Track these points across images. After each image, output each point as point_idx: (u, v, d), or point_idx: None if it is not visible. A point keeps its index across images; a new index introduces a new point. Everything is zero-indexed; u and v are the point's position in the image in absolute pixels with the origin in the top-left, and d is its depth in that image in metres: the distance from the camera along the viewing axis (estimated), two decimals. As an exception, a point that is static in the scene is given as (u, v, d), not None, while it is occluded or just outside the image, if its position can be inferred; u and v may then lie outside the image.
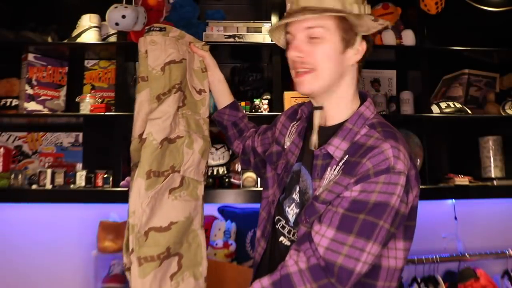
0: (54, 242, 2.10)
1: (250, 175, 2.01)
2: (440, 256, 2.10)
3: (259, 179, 2.02)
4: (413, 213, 0.95)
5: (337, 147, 0.96)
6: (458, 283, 2.10)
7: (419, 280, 2.08)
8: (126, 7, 1.60)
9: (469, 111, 2.20)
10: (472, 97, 2.33)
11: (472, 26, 2.30)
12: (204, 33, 2.05)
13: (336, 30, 0.96)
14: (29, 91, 2.04)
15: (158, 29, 1.21)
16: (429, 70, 2.16)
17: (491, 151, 2.23)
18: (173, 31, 1.23)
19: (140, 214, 1.04)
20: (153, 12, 1.85)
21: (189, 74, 1.24)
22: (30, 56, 2.07)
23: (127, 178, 1.91)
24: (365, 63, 1.05)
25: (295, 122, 1.16)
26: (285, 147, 1.13)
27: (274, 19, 2.07)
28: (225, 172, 2.03)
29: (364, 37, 1.00)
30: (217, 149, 2.02)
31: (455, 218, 2.25)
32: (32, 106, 2.03)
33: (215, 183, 2.02)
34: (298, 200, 1.03)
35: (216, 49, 2.06)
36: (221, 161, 2.02)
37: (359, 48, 1.00)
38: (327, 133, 1.01)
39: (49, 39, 2.06)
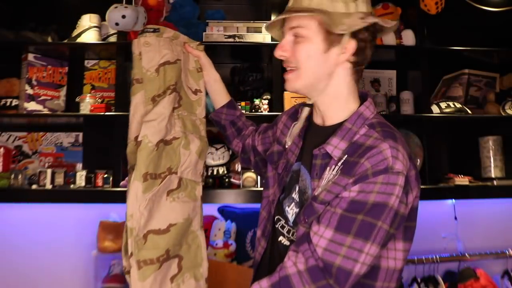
0: (54, 242, 2.10)
1: (250, 175, 2.01)
2: (440, 256, 2.10)
3: (259, 179, 2.02)
4: (413, 214, 0.95)
5: (336, 146, 0.96)
6: (458, 283, 2.10)
7: (419, 280, 2.08)
8: (126, 7, 1.60)
9: (469, 111, 2.19)
10: (472, 97, 2.33)
11: (472, 26, 2.30)
12: (204, 33, 2.05)
13: (319, 29, 0.96)
14: (29, 91, 2.04)
15: (151, 30, 1.20)
16: (429, 70, 2.17)
17: (491, 151, 2.23)
18: (167, 32, 1.22)
19: (138, 217, 1.03)
20: (153, 12, 1.85)
21: (184, 75, 1.23)
22: (30, 56, 2.07)
23: (127, 178, 1.91)
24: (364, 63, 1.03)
25: (296, 121, 1.16)
26: (286, 146, 1.13)
27: (274, 19, 2.07)
28: (225, 172, 2.03)
29: (354, 36, 0.97)
30: (217, 149, 2.02)
31: (455, 218, 2.25)
32: (32, 106, 2.03)
33: (215, 183, 2.02)
34: (298, 200, 1.03)
35: (216, 49, 2.07)
36: (221, 161, 2.02)
37: (347, 47, 0.97)
38: (326, 132, 1.00)
39: (49, 39, 2.06)
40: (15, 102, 2.07)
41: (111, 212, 2.05)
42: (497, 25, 2.29)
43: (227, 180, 2.03)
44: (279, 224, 1.08)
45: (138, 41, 1.18)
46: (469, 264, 2.15)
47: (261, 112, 2.04)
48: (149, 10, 1.80)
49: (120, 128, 1.98)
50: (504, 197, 2.18)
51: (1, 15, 2.16)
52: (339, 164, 0.93)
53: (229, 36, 2.05)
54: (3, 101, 2.07)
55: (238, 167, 2.06)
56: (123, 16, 1.58)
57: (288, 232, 1.05)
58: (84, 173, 1.98)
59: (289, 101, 2.02)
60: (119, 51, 2.07)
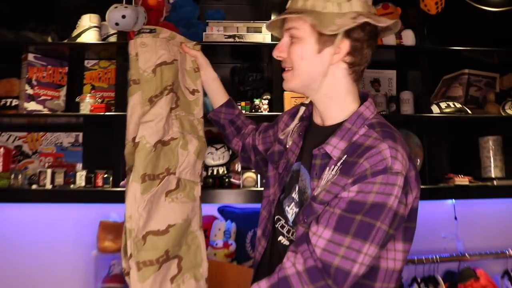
0: (54, 242, 2.10)
1: (250, 175, 2.01)
2: (440, 256, 2.10)
3: (259, 179, 2.02)
4: (413, 214, 0.95)
5: (335, 146, 0.96)
6: (458, 283, 2.10)
7: (419, 280, 2.08)
8: (126, 7, 1.60)
9: (469, 111, 2.19)
10: (472, 97, 2.33)
11: (472, 26, 2.30)
12: (204, 33, 2.05)
13: (312, 30, 0.97)
14: (29, 91, 2.04)
15: (148, 31, 1.20)
16: (429, 70, 2.16)
17: (491, 151, 2.23)
18: (163, 32, 1.22)
19: (137, 218, 1.03)
20: (153, 12, 1.85)
21: (181, 75, 1.23)
22: (30, 56, 2.07)
23: (126, 179, 1.91)
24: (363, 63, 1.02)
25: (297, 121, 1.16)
26: (287, 146, 1.13)
27: (272, 19, 2.07)
28: (225, 172, 2.03)
29: (348, 36, 0.96)
30: (217, 149, 2.02)
31: (455, 218, 2.25)
32: (32, 106, 2.03)
33: (215, 183, 2.02)
34: (297, 200, 1.03)
35: (216, 49, 2.07)
36: (221, 161, 2.02)
37: (340, 47, 0.97)
38: (326, 132, 1.00)
39: (49, 39, 2.06)
40: (15, 102, 2.06)
41: (111, 212, 2.05)
42: (497, 25, 2.29)
43: (227, 180, 2.03)
44: (279, 224, 1.08)
45: (135, 42, 1.18)
46: (469, 264, 2.15)
47: (261, 112, 2.04)
48: (149, 10, 1.79)
49: (120, 128, 1.96)
50: (504, 197, 2.17)
51: (1, 15, 2.16)
52: (339, 164, 0.93)
53: (229, 36, 2.05)
54: (3, 101, 2.07)
55: (238, 167, 2.06)
56: (123, 16, 1.57)
57: (288, 232, 1.05)
58: (84, 173, 1.98)
59: (289, 101, 2.02)
60: (119, 51, 2.07)
